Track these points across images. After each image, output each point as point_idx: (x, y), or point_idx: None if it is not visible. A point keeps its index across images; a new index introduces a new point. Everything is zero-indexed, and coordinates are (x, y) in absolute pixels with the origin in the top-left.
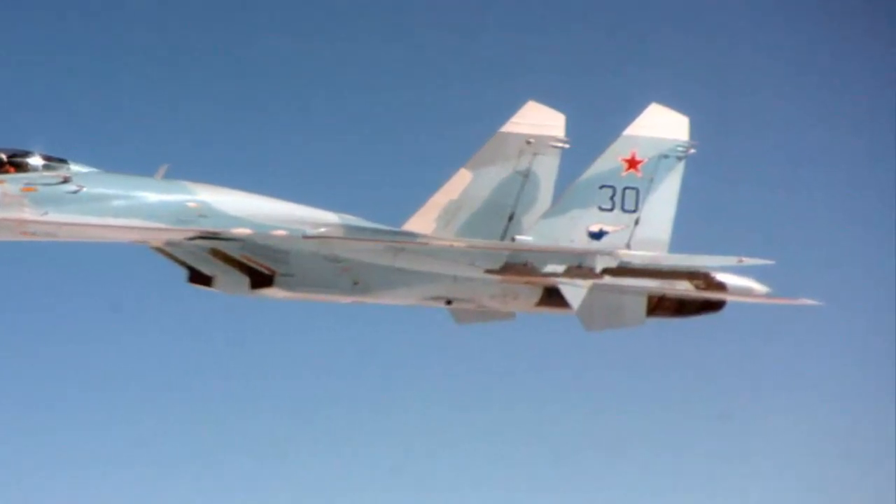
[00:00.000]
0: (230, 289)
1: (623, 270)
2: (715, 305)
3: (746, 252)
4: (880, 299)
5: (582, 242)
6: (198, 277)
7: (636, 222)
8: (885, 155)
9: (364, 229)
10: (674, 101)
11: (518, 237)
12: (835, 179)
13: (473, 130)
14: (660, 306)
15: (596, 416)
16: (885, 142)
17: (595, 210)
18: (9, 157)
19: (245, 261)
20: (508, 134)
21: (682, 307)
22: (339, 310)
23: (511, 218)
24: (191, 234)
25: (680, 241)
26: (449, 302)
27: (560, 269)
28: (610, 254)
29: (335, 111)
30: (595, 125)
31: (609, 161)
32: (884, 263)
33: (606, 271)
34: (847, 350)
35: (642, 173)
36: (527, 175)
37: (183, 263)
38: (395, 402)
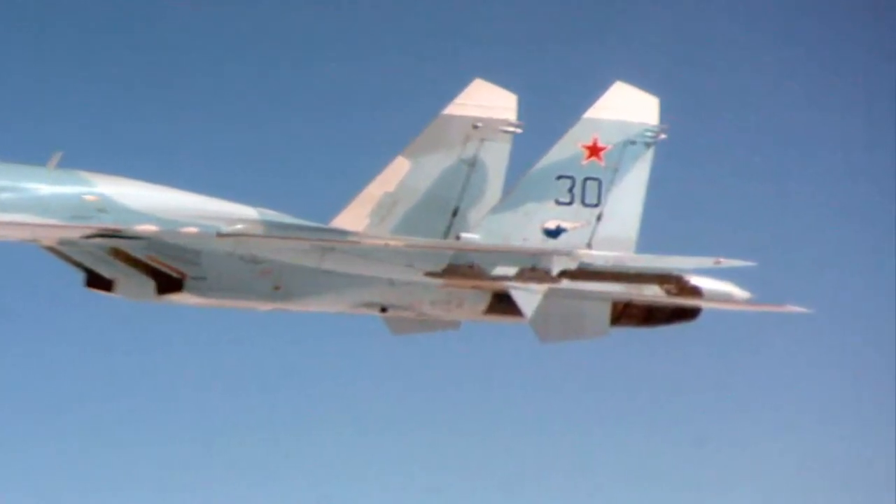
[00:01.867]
0: (133, 294)
1: (583, 273)
2: (689, 313)
3: (725, 252)
4: (877, 305)
5: (536, 241)
6: (97, 281)
7: (598, 218)
8: (884, 141)
9: (287, 226)
10: (641, 80)
11: (463, 235)
12: (827, 169)
13: (412, 113)
14: (625, 314)
15: (552, 440)
16: (885, 126)
17: (551, 204)
18: None
19: (150, 262)
20: (452, 117)
21: (651, 315)
22: (259, 318)
23: (455, 213)
24: (88, 232)
25: (649, 239)
26: (384, 309)
27: (511, 271)
28: (568, 254)
29: (253, 89)
30: (551, 107)
31: (567, 148)
32: (882, 265)
33: (564, 274)
34: (840, 364)
35: (605, 162)
36: (473, 164)
37: (80, 265)
38: (320, 424)
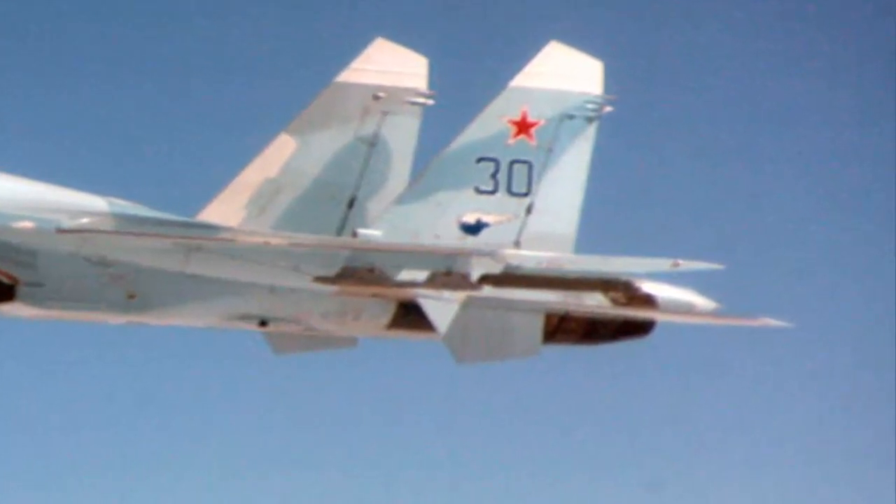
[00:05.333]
0: None
1: (510, 278)
2: (640, 327)
3: (685, 253)
4: (872, 317)
5: (452, 239)
6: None
7: (528, 210)
8: (880, 115)
9: (144, 220)
10: (581, 40)
11: (361, 231)
12: (811, 149)
13: (299, 79)
14: (562, 328)
15: (468, 482)
16: (881, 97)
17: (470, 192)
18: None
19: None
20: (348, 85)
21: (594, 330)
22: (109, 334)
23: (351, 204)
24: None
25: (590, 236)
26: (264, 323)
27: (420, 276)
28: (491, 255)
29: (103, 49)
30: (470, 72)
31: (490, 123)
32: (878, 267)
33: (486, 279)
34: (824, 388)
35: (537, 140)
36: (373, 143)
37: None
38: (185, 458)
